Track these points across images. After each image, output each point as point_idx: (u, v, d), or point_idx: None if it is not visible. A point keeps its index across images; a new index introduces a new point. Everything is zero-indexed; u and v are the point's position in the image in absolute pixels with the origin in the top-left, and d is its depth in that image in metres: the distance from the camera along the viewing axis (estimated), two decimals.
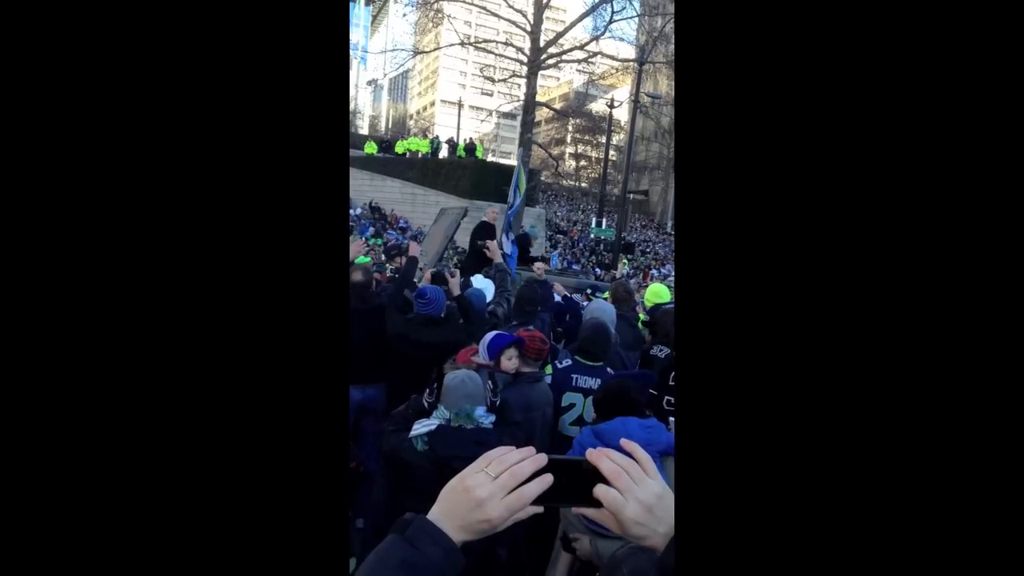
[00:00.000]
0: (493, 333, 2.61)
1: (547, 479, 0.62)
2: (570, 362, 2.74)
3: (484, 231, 5.92)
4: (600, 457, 0.64)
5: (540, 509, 0.63)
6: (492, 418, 2.00)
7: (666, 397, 3.10)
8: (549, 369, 2.76)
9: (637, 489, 0.63)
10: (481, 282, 4.03)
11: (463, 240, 7.65)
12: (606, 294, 4.22)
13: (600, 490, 0.63)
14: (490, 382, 2.07)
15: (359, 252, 4.56)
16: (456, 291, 3.16)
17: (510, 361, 2.50)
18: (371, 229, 15.54)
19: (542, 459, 0.63)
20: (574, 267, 18.10)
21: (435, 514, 0.63)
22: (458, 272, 3.45)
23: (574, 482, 0.64)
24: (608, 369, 2.74)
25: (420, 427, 1.93)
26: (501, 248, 4.69)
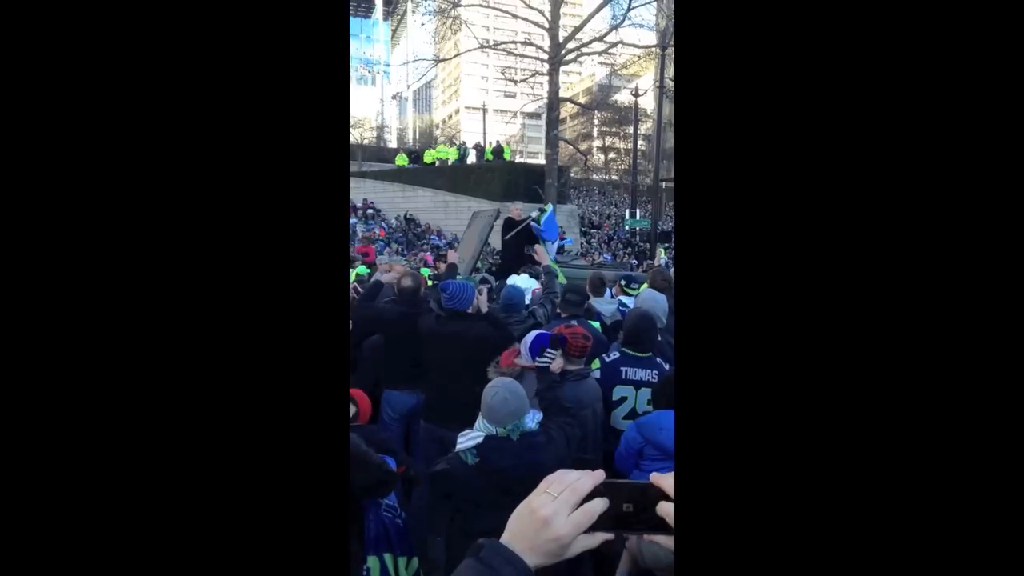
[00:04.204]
0: (534, 333, 2.53)
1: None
2: (618, 355, 2.67)
3: (510, 228, 5.91)
4: (666, 479, 0.63)
5: (611, 536, 0.62)
6: (539, 416, 1.94)
7: None
8: (596, 364, 2.69)
9: None
10: (523, 281, 3.98)
11: (497, 242, 7.64)
12: (644, 284, 4.10)
13: (668, 508, 0.60)
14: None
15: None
16: (484, 308, 3.03)
17: (554, 362, 2.44)
18: (393, 245, 15.73)
19: (599, 474, 0.63)
20: (608, 259, 17.87)
21: (505, 538, 0.63)
22: (486, 290, 3.35)
23: (641, 507, 0.62)
24: (658, 359, 2.65)
25: (466, 440, 1.90)
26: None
